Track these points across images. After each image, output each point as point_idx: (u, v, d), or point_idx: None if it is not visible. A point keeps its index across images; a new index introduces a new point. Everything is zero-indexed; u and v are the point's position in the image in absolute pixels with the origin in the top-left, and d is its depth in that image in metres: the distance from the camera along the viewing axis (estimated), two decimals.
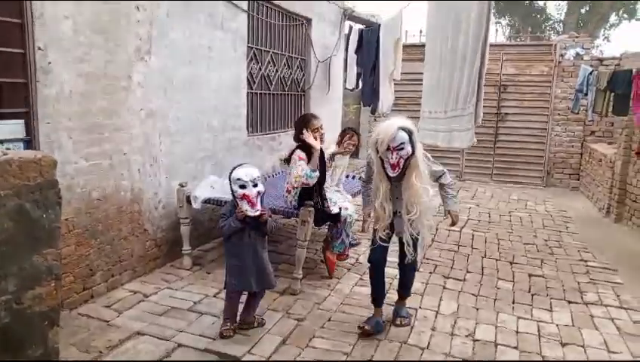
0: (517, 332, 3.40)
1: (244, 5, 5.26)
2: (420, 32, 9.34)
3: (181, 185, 4.26)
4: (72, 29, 3.25)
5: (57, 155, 3.05)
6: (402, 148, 2.91)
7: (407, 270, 3.40)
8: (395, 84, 7.12)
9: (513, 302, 3.90)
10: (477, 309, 3.75)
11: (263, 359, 2.93)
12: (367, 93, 7.55)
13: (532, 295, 4.06)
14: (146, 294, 3.74)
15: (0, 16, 2.92)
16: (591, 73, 7.54)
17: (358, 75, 7.86)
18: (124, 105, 3.76)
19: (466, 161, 9.63)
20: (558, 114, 9.03)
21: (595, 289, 4.22)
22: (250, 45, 5.52)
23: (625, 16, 19.35)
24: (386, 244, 3.23)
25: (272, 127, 6.35)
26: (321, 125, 4.20)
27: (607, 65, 8.37)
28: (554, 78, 8.97)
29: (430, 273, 4.45)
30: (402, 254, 3.28)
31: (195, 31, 4.48)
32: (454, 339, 3.27)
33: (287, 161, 4.21)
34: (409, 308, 3.59)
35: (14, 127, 3.03)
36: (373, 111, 7.68)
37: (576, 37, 9.08)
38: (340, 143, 4.77)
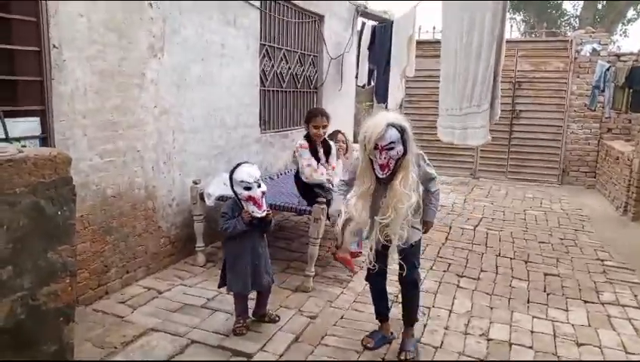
0: (532, 331, 3.36)
1: (257, 2, 5.26)
2: (434, 28, 9.26)
3: (194, 183, 4.28)
4: (87, 27, 3.27)
5: (72, 152, 3.09)
6: (392, 148, 2.58)
7: (407, 287, 3.02)
8: (408, 80, 7.07)
9: (528, 302, 3.85)
10: (491, 308, 3.71)
11: (276, 356, 2.93)
12: (381, 90, 7.50)
13: (547, 294, 4.00)
14: (159, 290, 3.77)
15: (16, 15, 2.96)
16: (608, 69, 7.41)
17: (370, 72, 7.82)
18: (138, 103, 3.78)
19: (481, 159, 9.53)
20: (574, 111, 8.89)
21: (612, 288, 4.15)
22: (262, 42, 5.52)
23: None
24: (383, 258, 2.89)
25: (285, 124, 6.35)
26: (324, 124, 4.15)
27: (624, 62, 8.21)
28: (570, 75, 8.82)
29: (444, 271, 4.42)
30: (400, 266, 2.92)
31: (207, 28, 4.49)
32: (468, 339, 3.23)
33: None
34: (422, 306, 3.51)
35: (30, 125, 3.06)
36: (386, 108, 7.64)
37: (593, 32, 8.92)
38: None
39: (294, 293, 3.82)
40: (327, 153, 4.24)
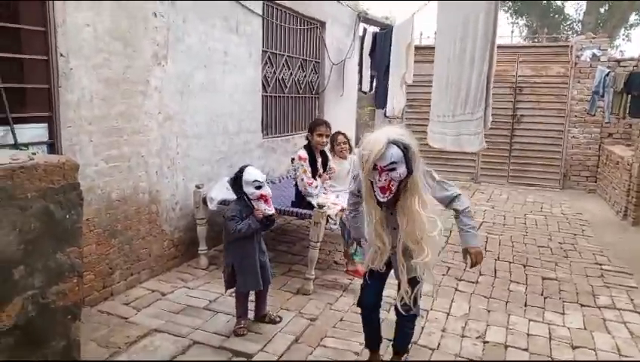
0: (528, 334, 3.42)
1: (259, 9, 5.35)
2: (435, 33, 9.31)
3: (197, 187, 4.36)
4: (93, 36, 3.37)
5: (78, 158, 3.19)
6: (394, 169, 2.24)
7: (404, 318, 2.68)
8: (408, 86, 7.14)
9: (525, 305, 3.90)
10: (488, 311, 3.77)
11: (276, 356, 3.00)
12: (381, 96, 7.58)
13: (544, 298, 4.06)
14: (163, 292, 3.85)
15: (25, 24, 3.06)
16: (607, 75, 7.46)
17: (372, 78, 7.91)
18: (142, 109, 3.87)
19: (482, 163, 9.58)
20: (575, 115, 8.94)
21: (609, 292, 4.20)
22: (264, 49, 5.61)
23: None
24: (379, 283, 2.69)
25: (287, 130, 6.44)
26: (327, 133, 4.37)
27: (624, 67, 8.27)
28: (570, 80, 8.88)
29: (443, 275, 4.47)
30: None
31: (210, 36, 4.59)
32: (464, 341, 3.30)
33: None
34: (421, 309, 3.50)
35: (38, 131, 3.16)
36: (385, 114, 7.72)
37: (593, 37, 8.98)
38: (332, 149, 4.73)
39: (295, 296, 3.89)
40: (325, 164, 4.43)
